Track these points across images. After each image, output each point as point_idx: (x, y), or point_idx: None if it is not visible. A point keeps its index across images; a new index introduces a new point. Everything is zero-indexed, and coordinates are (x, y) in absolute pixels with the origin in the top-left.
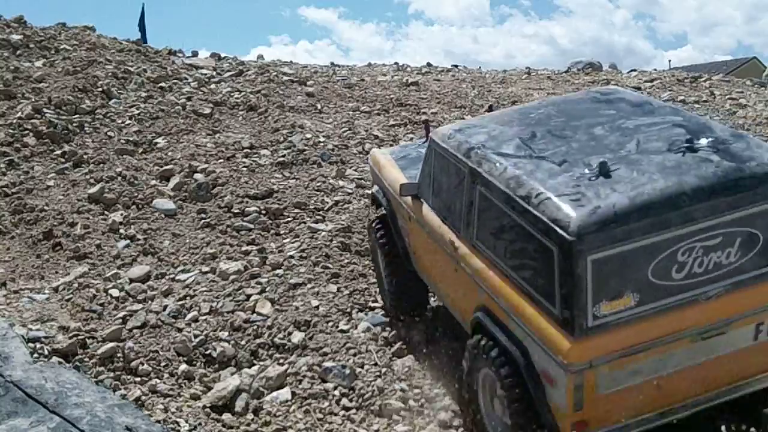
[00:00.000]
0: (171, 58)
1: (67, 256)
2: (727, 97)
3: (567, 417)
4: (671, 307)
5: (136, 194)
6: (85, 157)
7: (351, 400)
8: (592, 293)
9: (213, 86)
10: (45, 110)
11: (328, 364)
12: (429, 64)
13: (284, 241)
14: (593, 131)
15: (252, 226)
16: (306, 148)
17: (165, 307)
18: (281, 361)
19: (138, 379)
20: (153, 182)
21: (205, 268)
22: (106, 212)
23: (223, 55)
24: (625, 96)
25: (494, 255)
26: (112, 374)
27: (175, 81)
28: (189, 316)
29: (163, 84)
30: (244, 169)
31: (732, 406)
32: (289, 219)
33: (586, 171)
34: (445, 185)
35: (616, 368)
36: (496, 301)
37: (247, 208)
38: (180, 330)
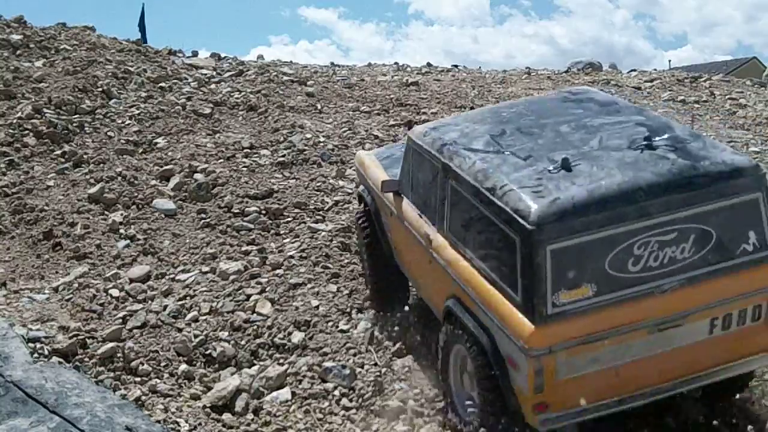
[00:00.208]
0: (171, 58)
1: (67, 256)
2: (727, 97)
3: (529, 399)
4: (628, 298)
5: (136, 194)
6: (85, 157)
7: (351, 400)
8: (552, 282)
9: (213, 86)
10: (45, 110)
11: (328, 364)
12: (429, 64)
13: (284, 241)
14: (559, 129)
15: (252, 226)
16: (306, 148)
17: (165, 307)
18: (281, 361)
19: (138, 379)
20: (153, 182)
21: (205, 268)
22: (106, 212)
23: (223, 55)
24: (594, 96)
25: (464, 246)
26: (112, 374)
27: (175, 81)
28: (189, 316)
29: (163, 84)
30: (244, 169)
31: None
32: (289, 219)
33: (549, 165)
34: (421, 180)
35: (575, 355)
36: (465, 290)
37: (247, 208)
38: (180, 330)
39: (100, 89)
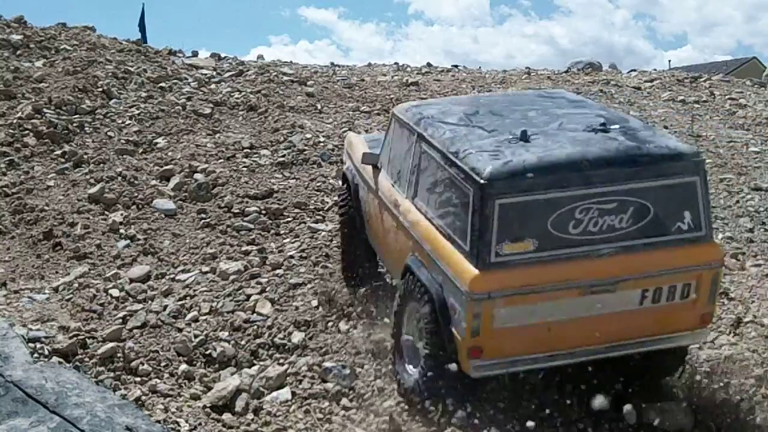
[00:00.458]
0: (171, 58)
1: (67, 256)
2: (727, 97)
3: (465, 342)
4: (566, 257)
5: (136, 194)
6: (85, 157)
7: (351, 400)
8: (497, 233)
9: (213, 86)
10: (45, 110)
11: (328, 364)
12: (429, 64)
13: (284, 241)
14: (527, 114)
15: (252, 226)
16: (306, 148)
17: (165, 307)
18: (281, 361)
19: (138, 379)
20: (153, 182)
21: (205, 268)
22: (106, 212)
23: (223, 55)
24: (566, 96)
25: (427, 207)
26: (112, 374)
27: (175, 81)
28: (189, 316)
29: (163, 84)
30: (244, 169)
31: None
32: (289, 219)
33: (510, 137)
34: (398, 151)
35: (511, 305)
36: (422, 246)
37: (247, 208)
38: (180, 330)
39: (100, 89)
